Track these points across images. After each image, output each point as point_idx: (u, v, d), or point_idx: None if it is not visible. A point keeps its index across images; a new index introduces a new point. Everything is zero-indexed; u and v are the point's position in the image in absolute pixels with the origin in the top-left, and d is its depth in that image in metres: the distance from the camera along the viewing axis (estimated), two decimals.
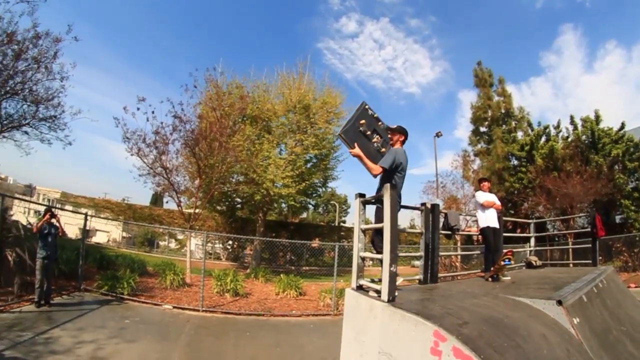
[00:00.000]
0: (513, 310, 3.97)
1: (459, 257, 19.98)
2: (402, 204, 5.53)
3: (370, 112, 5.63)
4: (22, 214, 19.03)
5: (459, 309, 4.16)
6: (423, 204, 6.17)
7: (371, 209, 5.70)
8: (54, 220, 8.06)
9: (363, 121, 5.34)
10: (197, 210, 15.16)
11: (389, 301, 4.74)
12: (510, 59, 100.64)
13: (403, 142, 5.32)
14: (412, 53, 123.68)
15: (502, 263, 5.79)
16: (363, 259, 5.85)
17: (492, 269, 6.16)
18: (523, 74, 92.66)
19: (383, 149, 5.48)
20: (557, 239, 22.04)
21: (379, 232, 5.28)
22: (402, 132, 5.30)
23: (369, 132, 5.44)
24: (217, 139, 14.42)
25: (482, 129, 28.81)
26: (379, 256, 5.13)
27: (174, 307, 9.84)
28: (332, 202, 51.09)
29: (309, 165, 21.78)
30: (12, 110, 12.67)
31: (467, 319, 3.60)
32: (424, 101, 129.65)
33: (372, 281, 5.36)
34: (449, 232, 6.81)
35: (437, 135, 24.86)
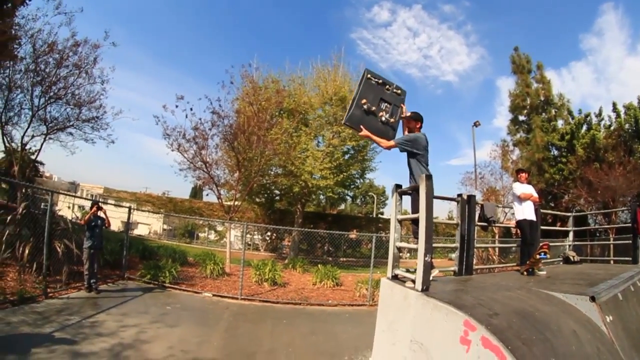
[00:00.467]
0: (545, 304, 3.87)
1: (496, 250, 19.38)
2: (439, 195, 5.44)
3: (374, 80, 5.47)
4: (67, 208, 20.13)
5: (491, 300, 4.11)
6: (459, 195, 6.07)
7: (408, 200, 5.69)
8: (100, 213, 8.53)
9: (364, 100, 5.19)
10: (236, 203, 15.50)
11: (422, 291, 4.70)
12: (549, 42, 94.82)
13: (420, 128, 5.29)
14: (447, 40, 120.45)
15: (538, 257, 5.58)
16: (399, 249, 5.82)
17: (527, 262, 5.97)
18: (563, 58, 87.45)
19: (392, 119, 5.34)
20: (598, 234, 20.94)
21: (416, 222, 5.24)
22: (418, 118, 5.28)
23: (374, 108, 5.29)
24: (255, 133, 14.65)
25: (521, 118, 27.49)
26: (414, 246, 5.10)
27: (214, 295, 10.13)
28: (370, 193, 50.81)
29: (346, 156, 21.72)
30: (57, 113, 13.42)
31: (497, 310, 3.56)
32: (461, 89, 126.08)
33: (407, 271, 5.34)
34: (485, 224, 6.66)
35: (475, 124, 24.03)
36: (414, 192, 5.26)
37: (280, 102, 17.02)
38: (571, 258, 7.38)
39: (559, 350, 3.01)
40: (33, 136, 12.92)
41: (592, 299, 3.48)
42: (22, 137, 12.48)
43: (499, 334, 3.11)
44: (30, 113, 12.49)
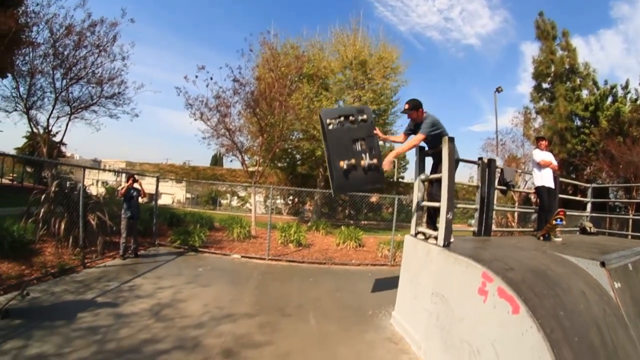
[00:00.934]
0: (557, 265, 3.99)
1: (515, 216, 19.35)
2: (461, 158, 5.55)
3: (335, 122, 5.45)
4: (92, 185, 20.72)
5: (507, 257, 4.29)
6: (480, 159, 6.16)
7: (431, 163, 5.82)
8: (136, 185, 8.89)
9: (341, 162, 5.30)
10: (259, 168, 15.75)
11: (444, 246, 4.89)
12: (577, 7, 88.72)
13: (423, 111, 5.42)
14: (469, 2, 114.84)
15: (554, 222, 5.60)
16: (422, 207, 5.96)
17: (544, 228, 6.02)
18: (591, 25, 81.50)
19: (374, 158, 5.54)
20: (617, 209, 20.63)
21: (437, 183, 5.37)
22: (419, 105, 5.42)
23: (352, 161, 5.39)
24: (277, 99, 14.68)
25: (545, 86, 26.71)
26: (436, 204, 5.26)
27: (242, 257, 10.60)
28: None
29: None
30: (79, 93, 13.66)
31: (513, 266, 3.74)
32: (483, 53, 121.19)
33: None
34: (504, 188, 6.72)
35: (498, 90, 23.35)
36: (436, 155, 5.36)
37: (300, 68, 16.85)
38: (587, 229, 7.36)
39: (568, 306, 3.17)
40: (58, 117, 13.24)
41: (603, 264, 3.58)
42: (48, 120, 12.80)
43: (513, 285, 3.29)
44: (54, 96, 12.75)
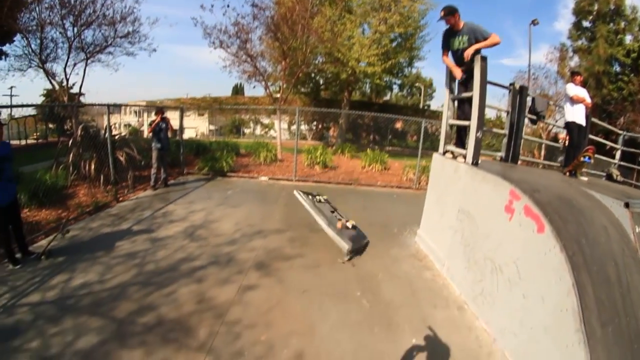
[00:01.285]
0: (582, 198, 3.81)
1: (541, 152, 18.66)
2: (492, 80, 5.25)
3: (310, 197, 6.60)
4: (114, 128, 20.80)
5: (534, 182, 4.13)
6: (511, 84, 5.83)
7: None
8: (164, 116, 8.91)
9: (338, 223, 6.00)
10: (282, 94, 15.46)
11: (472, 164, 4.75)
12: None
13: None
14: None
15: (582, 159, 5.28)
16: (451, 126, 5.77)
17: (571, 164, 5.74)
18: None
19: (348, 224, 6.09)
20: None
21: (467, 102, 5.13)
22: (455, 9, 5.00)
23: (339, 226, 6.00)
24: (299, 22, 13.95)
25: (585, 24, 23.91)
26: (466, 123, 5.05)
27: (270, 179, 10.75)
28: (416, 84, 48.56)
29: (394, 44, 20.40)
30: (92, 38, 13.20)
31: (540, 189, 3.61)
32: None
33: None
34: (534, 118, 6.39)
35: (534, 23, 21.20)
36: (467, 75, 5.08)
37: None
38: (614, 176, 6.91)
39: (590, 235, 3.07)
40: (75, 64, 13.01)
41: (627, 205, 3.36)
42: (65, 69, 12.60)
43: (540, 205, 3.20)
44: (67, 45, 12.44)
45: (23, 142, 16.76)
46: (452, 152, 5.59)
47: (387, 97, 45.93)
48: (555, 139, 20.26)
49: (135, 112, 33.51)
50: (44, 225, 6.18)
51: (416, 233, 6.27)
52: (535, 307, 3.05)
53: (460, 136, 5.67)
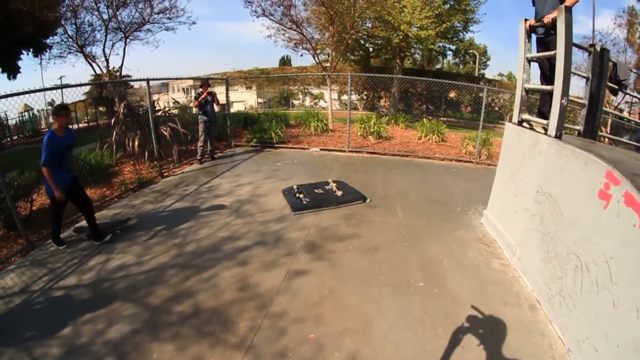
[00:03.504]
0: None
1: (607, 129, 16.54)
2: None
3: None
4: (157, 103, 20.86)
5: (629, 163, 3.13)
6: (591, 45, 4.65)
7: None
8: (210, 89, 8.52)
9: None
10: (332, 62, 14.64)
11: (556, 137, 3.85)
12: None
13: None
14: None
15: None
16: (527, 91, 4.82)
17: None
18: None
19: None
20: None
21: (548, 63, 4.35)
22: None
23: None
24: None
25: None
26: (548, 88, 4.12)
27: (321, 149, 10.09)
28: (470, 51, 45.61)
29: (447, 6, 18.84)
30: (129, 18, 12.92)
31: (639, 172, 2.73)
32: None
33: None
34: (616, 87, 5.20)
35: None
36: (546, 30, 4.21)
37: None
38: None
39: None
40: (113, 44, 12.84)
41: None
42: (104, 50, 12.44)
43: None
44: (104, 28, 12.23)
45: (75, 126, 17.26)
46: (529, 122, 4.69)
47: (439, 66, 43.71)
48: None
49: (184, 89, 33.70)
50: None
51: (482, 213, 5.47)
52: (627, 319, 2.28)
53: (542, 99, 4.77)
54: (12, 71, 15.12)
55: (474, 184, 7.19)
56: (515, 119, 4.89)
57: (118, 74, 13.39)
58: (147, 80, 7.44)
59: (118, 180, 7.24)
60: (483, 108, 9.52)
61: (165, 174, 7.71)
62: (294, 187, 6.37)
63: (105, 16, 11.96)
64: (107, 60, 12.60)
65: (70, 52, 13.29)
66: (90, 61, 12.52)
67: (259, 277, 3.80)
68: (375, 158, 9.34)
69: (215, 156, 9.02)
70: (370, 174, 7.77)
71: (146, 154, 8.04)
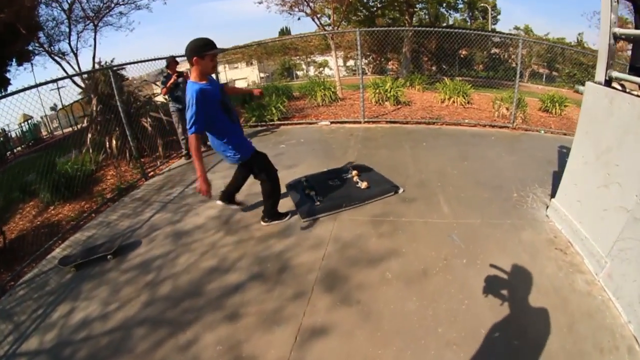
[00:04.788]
0: None
1: None
2: None
3: None
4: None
5: None
6: None
7: None
8: (180, 79, 6.75)
9: None
10: (333, 24, 13.11)
11: None
12: None
13: None
14: None
15: None
16: (616, 37, 3.23)
17: None
18: None
19: None
20: None
21: None
22: None
23: None
24: None
25: None
26: None
27: (332, 123, 8.56)
28: (481, 5, 42.47)
29: None
30: (95, 4, 11.50)
31: None
32: None
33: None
34: None
35: None
36: None
37: None
38: None
39: None
40: (79, 35, 11.46)
41: None
42: (69, 43, 11.09)
43: None
44: (66, 16, 10.85)
45: (76, 128, 16.29)
46: (621, 82, 3.14)
47: (448, 22, 41.10)
48: None
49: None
50: (64, 225, 4.93)
51: (543, 200, 4.13)
52: None
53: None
54: (2, 84, 14.63)
55: (519, 156, 5.73)
56: (599, 77, 3.31)
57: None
58: (111, 67, 6.09)
59: (99, 188, 6.09)
60: (519, 64, 7.87)
61: (150, 174, 6.45)
62: (302, 179, 4.96)
63: (65, 5, 10.63)
64: (75, 55, 11.30)
65: (37, 54, 12.17)
66: (59, 59, 11.25)
67: (257, 342, 2.52)
68: (397, 128, 7.81)
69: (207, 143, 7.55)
70: (396, 149, 6.29)
71: (127, 153, 6.78)
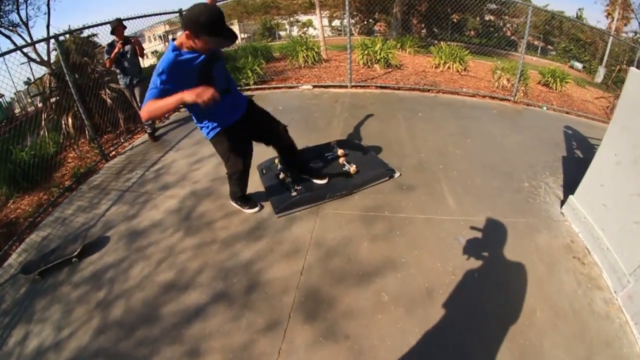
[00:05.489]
0: None
1: None
2: None
3: None
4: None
5: None
6: None
7: None
8: (127, 47, 5.56)
9: None
10: None
11: None
12: None
13: None
14: None
15: None
16: None
17: None
18: None
19: None
20: None
21: None
22: None
23: None
24: None
25: None
26: None
27: (314, 87, 7.67)
28: None
29: None
30: None
31: None
32: None
33: None
34: None
35: None
36: None
37: None
38: None
39: None
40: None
41: None
42: (18, 13, 9.87)
43: None
44: None
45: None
46: None
47: None
48: None
49: (160, 37, 29.85)
50: (21, 223, 4.18)
51: (557, 194, 3.59)
52: None
53: None
54: None
55: (525, 136, 5.04)
56: None
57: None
58: (56, 36, 5.11)
59: (59, 174, 5.31)
60: (527, 33, 7.02)
61: (112, 154, 5.66)
62: (275, 161, 4.13)
63: None
64: (26, 25, 10.11)
65: None
66: (8, 32, 10.07)
67: None
68: (389, 94, 7.00)
69: (163, 124, 6.67)
70: (389, 120, 5.53)
71: (87, 131, 5.81)
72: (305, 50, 9.35)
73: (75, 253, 3.23)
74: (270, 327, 2.31)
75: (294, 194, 3.46)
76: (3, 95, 16.86)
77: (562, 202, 3.38)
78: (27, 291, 3.07)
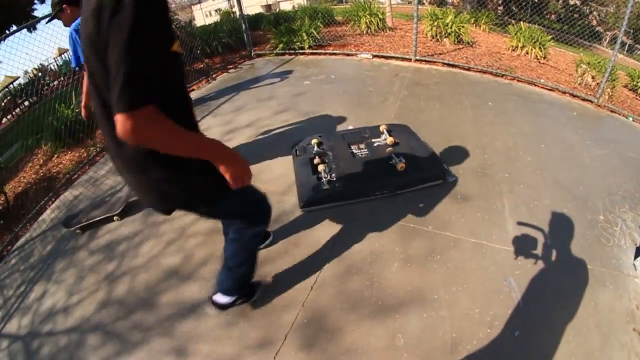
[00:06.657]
0: None
1: None
2: None
3: None
4: None
5: None
6: None
7: None
8: None
9: None
10: None
11: None
12: None
13: None
14: None
15: None
16: None
17: None
18: None
19: None
20: None
21: None
22: None
23: None
24: None
25: None
26: None
27: (374, 56, 7.04)
28: None
29: None
30: None
31: None
32: None
33: None
34: None
35: None
36: None
37: None
38: None
39: None
40: None
41: None
42: None
43: None
44: None
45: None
46: None
47: None
48: None
49: (216, 11, 28.93)
50: (60, 179, 4.35)
51: (633, 237, 2.83)
52: None
53: None
54: None
55: (607, 151, 4.07)
56: None
57: None
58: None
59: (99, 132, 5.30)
60: (625, 24, 5.75)
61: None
62: (313, 141, 3.65)
63: None
64: None
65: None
66: None
67: None
68: (457, 74, 6.22)
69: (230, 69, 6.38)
70: (453, 106, 4.85)
71: None
72: (368, 16, 8.61)
73: (117, 211, 3.26)
74: (261, 345, 2.04)
75: (326, 186, 3.03)
76: (67, 51, 17.45)
77: (638, 250, 2.70)
78: (52, 249, 3.18)
